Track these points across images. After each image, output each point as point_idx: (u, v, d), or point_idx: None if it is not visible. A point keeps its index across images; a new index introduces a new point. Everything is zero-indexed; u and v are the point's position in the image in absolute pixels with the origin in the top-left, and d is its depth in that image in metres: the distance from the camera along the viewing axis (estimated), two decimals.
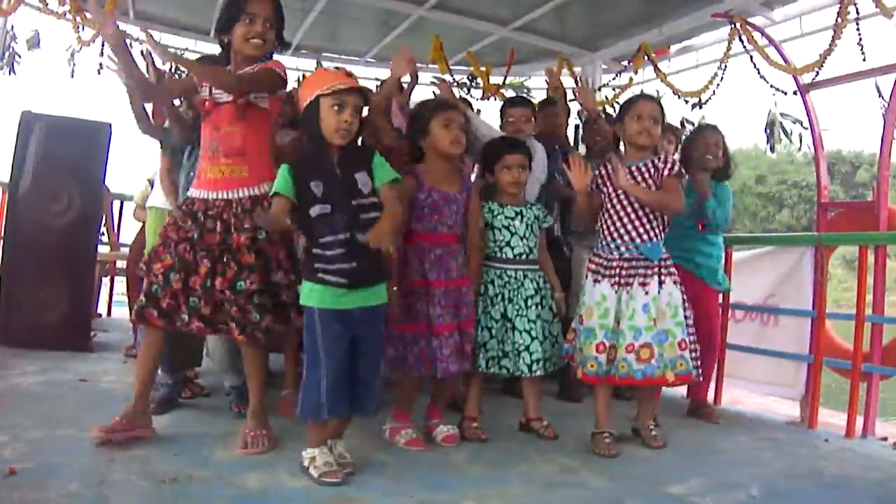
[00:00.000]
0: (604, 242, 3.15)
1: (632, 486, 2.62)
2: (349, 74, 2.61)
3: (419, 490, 2.41)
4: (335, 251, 2.49)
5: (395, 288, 2.85)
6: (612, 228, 3.12)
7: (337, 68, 2.71)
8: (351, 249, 2.49)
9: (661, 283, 3.05)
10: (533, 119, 3.91)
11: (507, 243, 3.24)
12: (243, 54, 2.76)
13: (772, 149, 6.12)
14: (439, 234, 3.02)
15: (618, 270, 3.06)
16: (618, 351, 3.01)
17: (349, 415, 2.64)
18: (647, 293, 3.03)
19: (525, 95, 4.43)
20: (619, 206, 3.11)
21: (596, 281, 3.10)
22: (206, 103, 2.76)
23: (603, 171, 3.20)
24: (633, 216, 3.10)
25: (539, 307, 3.21)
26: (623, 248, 3.09)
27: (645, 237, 3.09)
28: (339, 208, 2.51)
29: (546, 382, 3.81)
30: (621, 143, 3.34)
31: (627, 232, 3.09)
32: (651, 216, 3.11)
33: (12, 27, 6.23)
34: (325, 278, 2.50)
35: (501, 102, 4.26)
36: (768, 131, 5.81)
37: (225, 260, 2.67)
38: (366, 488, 2.41)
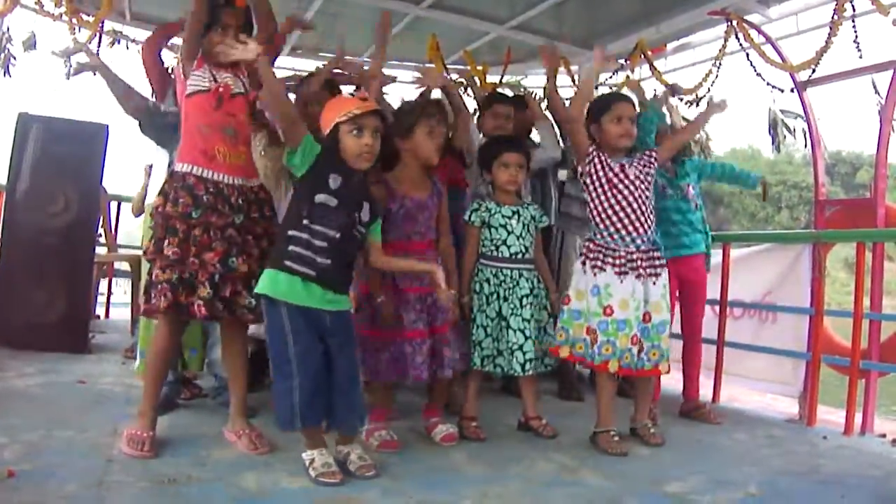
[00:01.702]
0: (617, 236, 3.09)
1: (630, 484, 2.62)
2: (365, 99, 2.67)
3: (418, 490, 2.41)
4: (319, 243, 2.50)
5: (381, 298, 2.89)
6: (626, 221, 3.08)
7: (352, 94, 2.76)
8: (332, 249, 2.52)
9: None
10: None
11: (504, 242, 3.23)
12: (215, 61, 2.82)
13: (777, 149, 6.11)
14: (413, 243, 3.00)
15: (639, 263, 3.06)
16: (657, 342, 3.06)
17: (328, 427, 2.61)
18: (664, 284, 3.13)
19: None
20: (630, 199, 3.09)
21: (622, 274, 3.04)
22: (222, 88, 2.78)
23: (608, 163, 3.13)
24: (643, 207, 3.11)
25: (533, 307, 3.20)
26: (640, 241, 3.09)
27: (653, 227, 3.14)
28: (343, 210, 2.55)
29: (545, 381, 3.83)
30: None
31: (642, 224, 3.10)
32: (653, 207, 3.16)
33: (8, 28, 6.21)
34: (292, 266, 2.48)
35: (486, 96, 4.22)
36: (772, 132, 5.79)
37: (249, 243, 2.78)
38: (365, 488, 2.41)
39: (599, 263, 3.09)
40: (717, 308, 4.46)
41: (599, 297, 3.05)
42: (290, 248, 2.51)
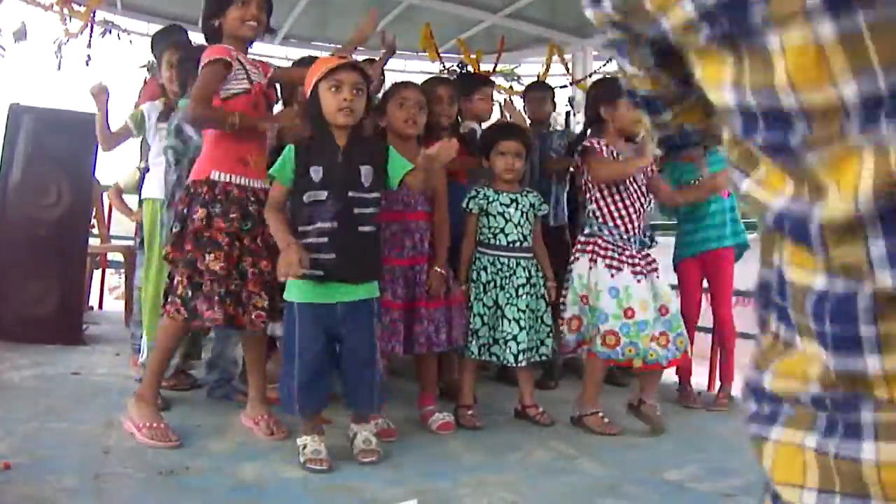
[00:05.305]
0: (626, 235, 3.15)
1: (628, 472, 2.62)
2: (344, 56, 2.64)
3: (416, 478, 2.41)
4: (318, 240, 2.48)
5: None
6: (633, 221, 3.14)
7: (332, 53, 2.73)
8: (333, 240, 2.48)
9: None
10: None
11: (501, 230, 3.21)
12: (237, 36, 2.75)
13: None
14: (394, 212, 2.98)
15: (640, 262, 3.13)
16: (679, 330, 3.11)
17: (348, 405, 2.65)
18: (652, 282, 3.15)
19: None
20: (633, 199, 3.15)
21: (638, 274, 3.10)
22: (259, 85, 2.76)
23: (616, 156, 3.19)
24: (643, 209, 3.19)
25: (530, 296, 3.18)
26: (638, 242, 3.16)
27: (646, 224, 3.20)
28: (334, 196, 2.50)
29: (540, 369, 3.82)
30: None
31: (639, 225, 3.18)
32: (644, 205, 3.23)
33: None
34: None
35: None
36: None
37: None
38: (362, 476, 2.40)
39: (616, 263, 3.11)
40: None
41: (619, 299, 3.06)
42: None
